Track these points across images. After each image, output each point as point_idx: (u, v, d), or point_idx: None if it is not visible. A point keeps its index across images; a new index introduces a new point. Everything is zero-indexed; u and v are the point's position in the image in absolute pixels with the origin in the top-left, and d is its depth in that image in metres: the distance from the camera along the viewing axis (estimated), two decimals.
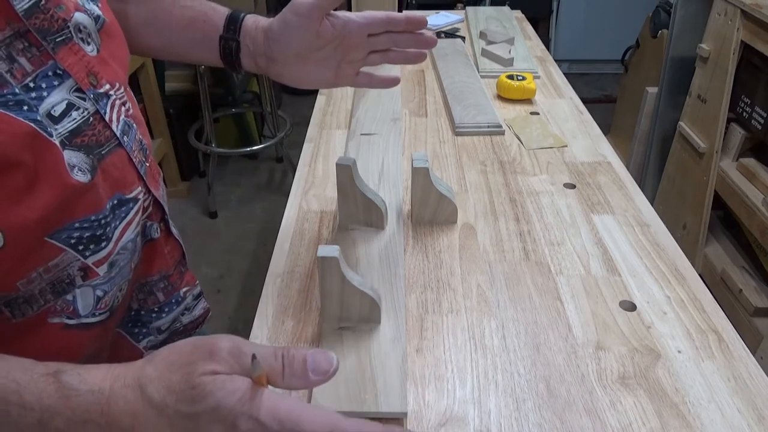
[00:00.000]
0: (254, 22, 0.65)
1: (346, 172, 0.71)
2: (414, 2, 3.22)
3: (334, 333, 0.61)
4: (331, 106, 1.15)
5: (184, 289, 0.70)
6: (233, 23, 0.65)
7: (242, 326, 1.91)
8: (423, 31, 0.63)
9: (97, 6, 0.55)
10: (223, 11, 0.66)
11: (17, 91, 0.44)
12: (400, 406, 0.53)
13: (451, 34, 1.52)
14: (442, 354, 0.61)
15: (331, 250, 0.56)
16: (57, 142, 0.46)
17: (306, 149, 1.00)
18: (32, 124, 0.44)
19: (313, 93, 1.17)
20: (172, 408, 0.39)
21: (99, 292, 0.55)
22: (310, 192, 0.89)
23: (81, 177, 0.48)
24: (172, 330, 0.70)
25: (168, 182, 2.50)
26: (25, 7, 0.46)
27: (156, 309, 0.66)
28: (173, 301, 0.68)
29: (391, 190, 0.84)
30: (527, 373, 0.59)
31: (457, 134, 1.04)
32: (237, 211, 2.50)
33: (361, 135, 0.97)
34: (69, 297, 0.53)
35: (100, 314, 0.56)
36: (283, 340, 0.63)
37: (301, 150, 1.00)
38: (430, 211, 0.80)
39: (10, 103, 0.43)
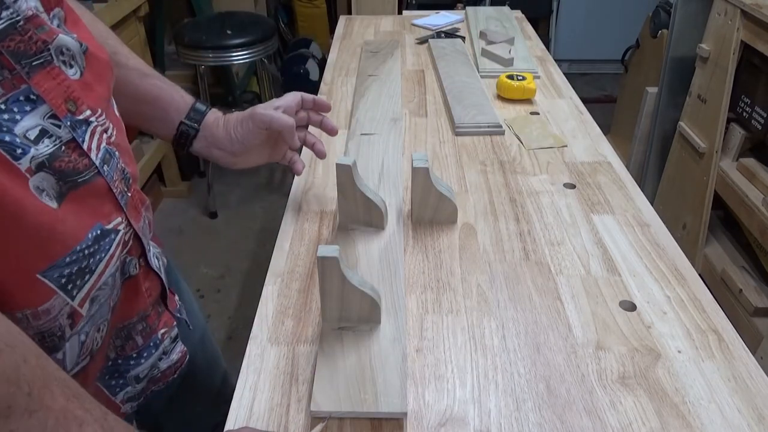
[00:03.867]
0: (215, 119, 0.76)
1: (346, 172, 0.71)
2: (414, 2, 3.22)
3: (334, 333, 0.61)
4: (332, 106, 1.15)
5: (162, 331, 0.67)
6: (197, 114, 0.75)
7: (242, 326, 1.91)
8: (327, 116, 0.83)
9: (73, 35, 0.53)
10: (189, 100, 0.76)
11: None
12: (400, 406, 0.53)
13: (451, 34, 1.52)
14: (442, 354, 0.61)
15: (331, 250, 0.56)
16: (26, 165, 0.44)
17: (306, 149, 1.00)
18: None
19: (313, 93, 1.16)
20: None
21: (82, 336, 0.53)
22: (310, 192, 0.89)
23: (48, 202, 0.46)
24: (150, 377, 0.67)
25: (168, 182, 2.50)
26: (0, 27, 0.44)
27: (134, 355, 0.64)
28: (151, 344, 0.65)
29: (391, 190, 0.84)
30: (527, 373, 0.59)
31: (457, 134, 1.04)
32: (237, 211, 2.50)
33: (361, 135, 0.97)
34: (59, 355, 0.51)
35: (82, 361, 0.55)
36: (283, 340, 0.63)
37: (301, 150, 1.00)
38: (430, 211, 0.80)
39: None
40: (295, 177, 0.92)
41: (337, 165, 0.71)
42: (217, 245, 2.29)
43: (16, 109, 0.44)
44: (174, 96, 0.74)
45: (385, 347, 0.59)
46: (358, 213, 0.75)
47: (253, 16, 2.42)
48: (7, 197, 0.43)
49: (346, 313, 0.61)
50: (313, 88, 1.46)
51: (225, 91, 2.64)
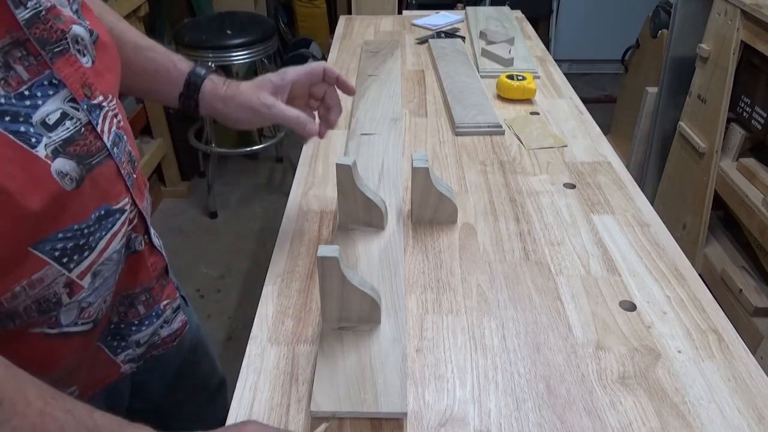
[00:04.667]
0: (213, 91, 0.71)
1: (346, 172, 0.71)
2: (414, 2, 3.22)
3: (334, 333, 0.61)
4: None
5: (165, 302, 0.69)
6: (193, 88, 0.71)
7: (242, 326, 1.91)
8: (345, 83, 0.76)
9: (86, 23, 0.55)
10: (185, 69, 0.71)
11: (2, 101, 0.44)
12: (400, 406, 0.53)
13: (451, 34, 1.52)
14: (442, 354, 0.61)
15: (331, 250, 0.56)
16: (43, 152, 0.46)
17: (306, 149, 1.00)
18: (11, 136, 0.44)
19: None
20: None
21: (84, 304, 0.55)
22: (310, 192, 0.89)
23: (69, 185, 0.48)
24: (151, 343, 0.69)
25: (168, 182, 2.50)
26: (27, 16, 0.46)
27: (136, 322, 0.66)
28: (153, 314, 0.67)
29: (391, 190, 0.83)
30: (527, 373, 0.59)
31: (457, 134, 1.04)
32: (237, 211, 2.50)
33: (361, 135, 0.97)
34: (54, 313, 0.53)
35: (82, 324, 0.56)
36: (283, 340, 0.63)
37: (301, 150, 1.00)
38: (430, 211, 0.80)
39: None
40: (295, 177, 0.92)
41: (337, 165, 0.71)
42: (217, 245, 2.29)
43: (39, 94, 0.47)
44: (169, 69, 0.72)
45: (385, 347, 0.59)
46: (358, 213, 0.75)
47: (253, 16, 2.42)
48: (34, 181, 0.45)
49: (346, 313, 0.61)
50: None
51: None
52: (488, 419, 0.54)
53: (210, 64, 0.73)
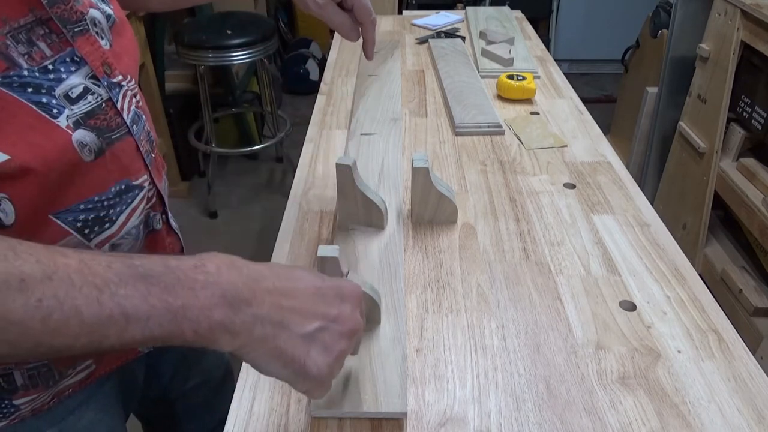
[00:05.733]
0: None
1: (346, 172, 0.71)
2: (414, 2, 3.22)
3: None
4: (331, 106, 1.15)
5: None
6: None
7: None
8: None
9: (110, 6, 0.58)
10: None
11: (25, 73, 0.46)
12: (400, 406, 0.53)
13: (451, 34, 1.52)
14: (442, 354, 0.61)
15: (331, 250, 0.56)
16: (65, 123, 0.49)
17: (306, 149, 1.00)
18: (33, 106, 0.46)
19: (313, 93, 1.17)
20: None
21: None
22: (310, 192, 0.89)
23: (87, 156, 0.51)
24: None
25: (168, 182, 2.50)
26: None
27: None
28: None
29: (391, 190, 0.83)
30: (527, 373, 0.59)
31: (457, 134, 1.04)
32: (237, 211, 2.50)
33: (361, 135, 0.97)
34: None
35: None
36: None
37: (301, 150, 1.00)
38: (430, 211, 0.80)
39: (15, 84, 0.46)
40: (295, 177, 0.92)
41: (337, 165, 0.71)
42: (217, 245, 2.29)
43: (62, 69, 0.50)
44: None
45: (385, 347, 0.59)
46: (358, 213, 0.75)
47: (253, 16, 2.42)
48: (55, 150, 0.48)
49: None
50: (313, 88, 1.46)
51: (225, 91, 2.64)
52: (488, 419, 0.55)
53: None
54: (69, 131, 0.49)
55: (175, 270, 0.39)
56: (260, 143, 2.66)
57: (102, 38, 0.55)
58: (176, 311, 0.37)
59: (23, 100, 0.46)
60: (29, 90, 0.47)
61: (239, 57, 2.19)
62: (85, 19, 0.53)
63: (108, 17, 0.57)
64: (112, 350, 0.38)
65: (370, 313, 0.61)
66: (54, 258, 0.36)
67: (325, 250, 0.56)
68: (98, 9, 0.56)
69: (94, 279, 0.36)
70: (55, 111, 0.48)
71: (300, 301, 0.43)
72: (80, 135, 0.50)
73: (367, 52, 0.77)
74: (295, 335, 0.42)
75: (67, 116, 0.49)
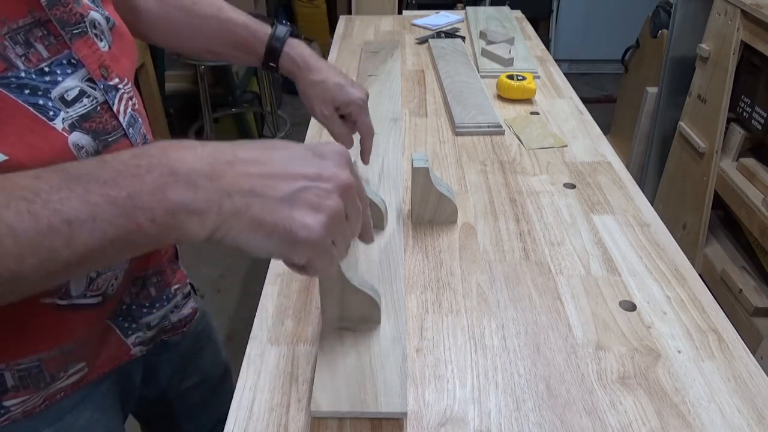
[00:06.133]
0: (291, 66, 0.77)
1: None
2: (414, 2, 3.22)
3: (334, 333, 0.61)
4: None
5: (175, 287, 0.71)
6: (272, 55, 0.77)
7: (242, 326, 1.91)
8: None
9: (104, 11, 0.58)
10: (263, 38, 0.77)
11: (22, 75, 0.46)
12: (400, 405, 0.53)
13: (451, 34, 1.52)
14: (442, 354, 0.61)
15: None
16: (60, 126, 0.48)
17: None
18: (30, 108, 0.46)
19: None
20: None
21: (92, 273, 0.56)
22: None
23: (84, 158, 0.50)
24: (161, 327, 0.71)
25: None
26: None
27: (147, 304, 0.67)
28: (164, 297, 0.69)
29: (391, 190, 0.83)
30: (527, 373, 0.59)
31: (457, 134, 1.04)
32: None
33: None
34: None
35: (91, 296, 0.57)
36: (283, 340, 0.63)
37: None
38: (430, 211, 0.80)
39: (12, 85, 0.45)
40: None
41: None
42: (217, 245, 2.29)
43: (58, 71, 0.49)
44: (249, 41, 0.77)
45: (385, 347, 0.59)
46: None
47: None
48: (51, 152, 0.47)
49: (346, 313, 0.61)
50: None
51: (225, 91, 2.64)
52: (488, 419, 0.54)
53: (285, 24, 0.80)
54: (65, 134, 0.49)
55: (112, 162, 0.36)
56: None
57: (101, 40, 0.55)
58: (123, 203, 0.34)
59: (21, 102, 0.46)
60: (26, 92, 0.46)
61: None
62: (85, 22, 0.53)
63: (107, 19, 0.57)
64: (74, 268, 0.35)
65: (370, 313, 0.61)
66: None
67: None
68: (98, 11, 0.56)
69: (22, 192, 0.34)
70: (51, 113, 0.48)
71: (272, 166, 0.39)
72: (76, 137, 0.50)
73: (365, 159, 0.81)
74: (271, 200, 0.38)
75: (63, 119, 0.49)
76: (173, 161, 0.36)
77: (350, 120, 0.78)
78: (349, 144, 0.79)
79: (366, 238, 0.47)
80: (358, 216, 0.43)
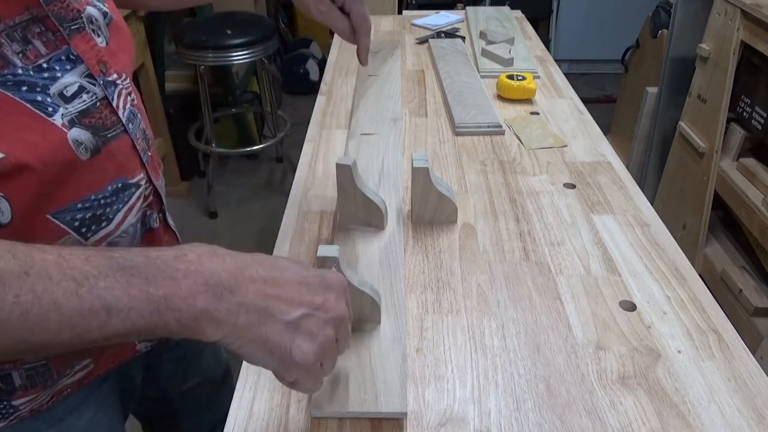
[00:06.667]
0: None
1: (346, 172, 0.71)
2: (414, 2, 3.22)
3: None
4: (331, 106, 1.15)
5: None
6: None
7: None
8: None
9: (104, 5, 0.58)
10: None
11: (20, 72, 0.46)
12: (400, 406, 0.53)
13: (451, 34, 1.52)
14: (442, 354, 0.61)
15: (331, 250, 0.55)
16: (60, 121, 0.48)
17: (306, 149, 1.00)
18: (28, 105, 0.46)
19: (313, 93, 1.17)
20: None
21: None
22: (310, 192, 0.89)
23: (83, 154, 0.51)
24: None
25: (168, 182, 2.49)
26: None
27: None
28: None
29: (391, 190, 0.83)
30: (527, 373, 0.59)
31: (457, 134, 1.04)
32: (237, 211, 2.50)
33: (361, 135, 0.97)
34: None
35: None
36: None
37: (301, 150, 1.00)
38: (430, 211, 0.80)
39: (9, 83, 0.45)
40: (295, 177, 0.92)
41: (337, 165, 0.71)
42: (217, 245, 2.29)
43: (57, 68, 0.49)
44: None
45: (385, 347, 0.59)
46: (358, 213, 0.75)
47: (253, 16, 2.42)
48: (50, 149, 0.48)
49: None
50: (313, 88, 1.46)
51: (225, 91, 2.64)
52: (488, 419, 0.54)
53: None
54: (64, 129, 0.49)
55: (156, 260, 0.39)
56: (260, 143, 2.66)
57: (98, 36, 0.55)
58: (158, 301, 0.37)
59: (18, 99, 0.46)
60: (24, 89, 0.46)
61: (239, 57, 2.19)
62: (82, 17, 0.53)
63: (105, 14, 0.57)
64: (95, 344, 0.38)
65: (370, 313, 0.61)
66: (31, 254, 0.36)
67: (325, 250, 0.56)
68: (95, 6, 0.56)
69: (72, 272, 0.36)
70: (50, 109, 0.48)
71: (284, 289, 0.43)
72: (76, 133, 0.50)
73: (361, 58, 0.80)
74: (279, 323, 0.42)
75: (62, 115, 0.49)
76: (207, 271, 0.39)
77: (345, 12, 0.76)
78: (352, 40, 0.77)
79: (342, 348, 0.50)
80: (347, 339, 0.48)
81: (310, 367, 0.44)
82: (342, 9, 0.76)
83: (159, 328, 0.38)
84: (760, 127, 1.58)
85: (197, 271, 0.39)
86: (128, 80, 0.59)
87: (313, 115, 1.12)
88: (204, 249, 0.41)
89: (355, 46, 0.80)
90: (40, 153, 0.47)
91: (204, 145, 2.45)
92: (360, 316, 0.61)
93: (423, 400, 0.56)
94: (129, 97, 0.58)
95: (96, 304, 0.36)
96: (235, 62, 2.24)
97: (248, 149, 2.68)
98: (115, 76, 0.56)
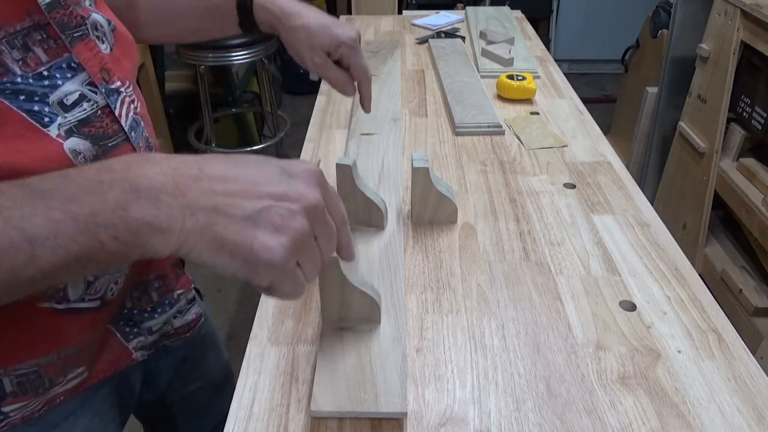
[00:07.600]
0: (266, 12, 0.74)
1: (346, 172, 0.71)
2: (414, 2, 3.22)
3: (334, 333, 0.61)
4: (331, 106, 1.15)
5: (179, 292, 0.70)
6: (245, 11, 0.73)
7: (242, 326, 1.91)
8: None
9: (105, 14, 0.57)
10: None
11: (19, 80, 0.45)
12: (400, 406, 0.53)
13: (451, 34, 1.52)
14: (442, 354, 0.61)
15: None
16: (55, 132, 0.47)
17: (306, 149, 1.00)
18: (24, 114, 0.46)
19: (313, 93, 1.17)
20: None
21: (90, 277, 0.55)
22: None
23: (82, 164, 0.50)
24: (163, 332, 0.70)
25: None
26: (48, 1, 0.48)
27: (149, 309, 0.66)
28: (166, 302, 0.68)
29: (391, 190, 0.83)
30: (527, 373, 0.59)
31: (457, 134, 1.04)
32: None
33: (361, 135, 0.97)
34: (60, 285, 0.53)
35: (90, 301, 0.56)
36: (283, 340, 0.63)
37: (301, 150, 1.00)
38: (430, 211, 0.80)
39: (7, 91, 0.45)
40: None
41: (337, 165, 0.71)
42: None
43: (58, 75, 0.48)
44: (219, 4, 0.74)
45: (385, 347, 0.59)
46: (358, 213, 0.75)
47: None
48: (47, 158, 0.46)
49: (346, 313, 0.61)
50: (313, 88, 1.46)
51: (225, 91, 2.64)
52: (488, 419, 0.54)
53: None
54: (60, 140, 0.48)
55: (76, 178, 0.35)
56: (260, 143, 2.66)
57: (103, 42, 0.54)
58: (85, 220, 0.34)
59: (14, 108, 0.45)
60: (21, 97, 0.45)
61: (239, 57, 2.20)
62: (86, 24, 0.52)
63: (109, 21, 0.57)
64: (42, 285, 0.35)
65: (370, 313, 0.61)
66: None
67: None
68: (100, 13, 0.55)
69: None
70: (46, 119, 0.47)
71: (237, 183, 0.38)
72: (73, 143, 0.49)
73: (365, 106, 0.80)
74: (234, 219, 0.37)
75: (59, 125, 0.48)
76: (135, 177, 0.35)
77: (343, 65, 0.74)
78: (350, 91, 0.75)
79: (345, 255, 0.46)
80: (330, 236, 0.42)
81: (280, 265, 0.38)
82: (338, 62, 0.74)
83: (97, 250, 0.34)
84: (760, 127, 1.58)
85: (124, 180, 0.35)
86: (131, 87, 0.58)
87: (313, 115, 1.12)
88: (133, 156, 0.37)
89: (348, 97, 0.80)
90: (32, 164, 0.45)
91: (204, 145, 2.45)
92: (360, 315, 0.61)
93: (423, 400, 0.56)
94: (132, 105, 0.57)
95: (16, 236, 0.33)
96: (235, 62, 2.24)
97: (248, 149, 2.68)
98: (118, 83, 0.55)
